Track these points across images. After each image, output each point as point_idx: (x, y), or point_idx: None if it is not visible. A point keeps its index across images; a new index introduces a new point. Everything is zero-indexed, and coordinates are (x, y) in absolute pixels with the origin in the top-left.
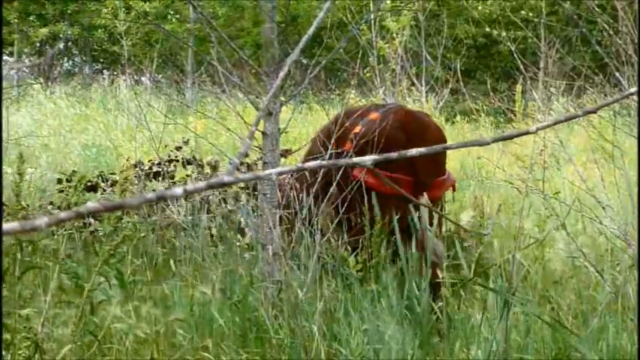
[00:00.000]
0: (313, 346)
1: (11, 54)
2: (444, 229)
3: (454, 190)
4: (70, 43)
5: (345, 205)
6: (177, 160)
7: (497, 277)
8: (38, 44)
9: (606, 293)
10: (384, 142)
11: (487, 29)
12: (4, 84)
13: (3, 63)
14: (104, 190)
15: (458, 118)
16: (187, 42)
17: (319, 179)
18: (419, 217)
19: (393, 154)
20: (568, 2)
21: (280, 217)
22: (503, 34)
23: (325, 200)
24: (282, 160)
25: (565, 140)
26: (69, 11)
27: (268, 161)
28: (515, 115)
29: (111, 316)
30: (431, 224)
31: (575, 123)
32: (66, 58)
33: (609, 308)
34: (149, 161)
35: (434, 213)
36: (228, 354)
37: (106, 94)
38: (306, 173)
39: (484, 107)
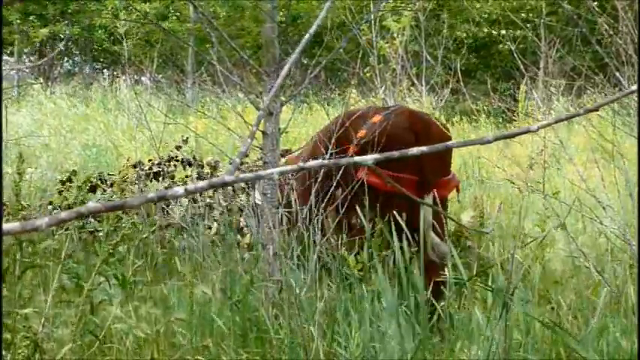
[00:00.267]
0: (313, 346)
1: (11, 54)
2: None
3: (458, 191)
4: (70, 43)
5: (348, 205)
6: (178, 160)
7: (497, 276)
8: (38, 44)
9: (606, 293)
10: (391, 143)
11: (486, 30)
12: (4, 84)
13: (3, 63)
14: (104, 191)
15: (458, 118)
16: (188, 42)
17: (320, 180)
18: (422, 217)
19: (395, 153)
20: (568, 2)
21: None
22: (503, 32)
23: (326, 201)
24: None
25: (565, 140)
26: (69, 11)
27: (269, 161)
28: (515, 115)
29: (111, 316)
30: (434, 224)
31: (575, 123)
32: (66, 58)
33: (609, 308)
34: (149, 161)
35: (437, 212)
36: (229, 354)
37: (106, 94)
38: (307, 174)
39: (485, 108)
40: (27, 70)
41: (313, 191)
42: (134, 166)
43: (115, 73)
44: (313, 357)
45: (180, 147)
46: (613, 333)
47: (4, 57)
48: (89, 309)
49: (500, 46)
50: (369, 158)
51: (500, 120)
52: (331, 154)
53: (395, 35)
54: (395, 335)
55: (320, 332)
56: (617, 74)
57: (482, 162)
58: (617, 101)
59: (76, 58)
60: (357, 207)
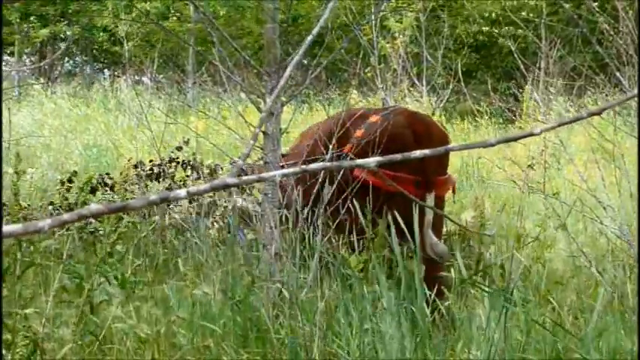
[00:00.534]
0: (314, 345)
1: (12, 54)
2: (444, 229)
3: (454, 191)
4: (71, 44)
5: (346, 205)
6: (178, 162)
7: (497, 276)
8: (39, 45)
9: (607, 293)
10: (391, 142)
11: (486, 28)
12: (5, 84)
13: (3, 63)
14: (105, 191)
15: (459, 118)
16: (188, 42)
17: (319, 179)
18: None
19: (397, 156)
20: (568, 2)
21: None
22: (504, 29)
23: (322, 202)
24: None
25: (565, 140)
26: (69, 11)
27: (269, 161)
28: (515, 116)
29: (111, 316)
30: (433, 223)
31: (576, 123)
32: (67, 58)
33: (610, 308)
34: (150, 161)
35: (436, 212)
36: (229, 354)
37: (106, 94)
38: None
39: (486, 110)
40: (27, 71)
41: (300, 190)
42: (135, 167)
43: (115, 73)
44: (313, 357)
45: (180, 148)
46: (613, 333)
47: (5, 57)
48: (89, 309)
49: (501, 40)
50: (372, 161)
51: (501, 120)
52: (331, 154)
53: (396, 35)
54: (395, 335)
55: (320, 332)
56: (618, 74)
57: (483, 162)
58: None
59: (76, 59)
60: (354, 206)
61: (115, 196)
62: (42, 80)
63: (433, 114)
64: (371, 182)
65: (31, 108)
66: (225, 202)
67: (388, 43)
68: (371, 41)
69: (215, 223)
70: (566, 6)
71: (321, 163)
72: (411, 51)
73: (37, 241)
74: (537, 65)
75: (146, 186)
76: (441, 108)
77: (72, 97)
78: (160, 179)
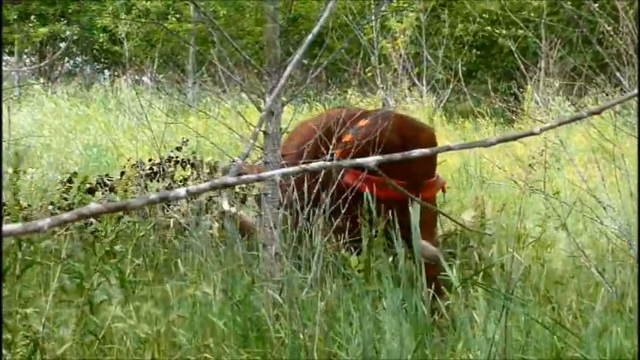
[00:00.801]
0: (314, 346)
1: (11, 53)
2: (442, 230)
3: (444, 191)
4: (71, 44)
5: (333, 209)
6: (178, 162)
7: (497, 276)
8: (39, 45)
9: (607, 293)
10: (380, 147)
11: (488, 28)
12: (5, 84)
13: (3, 63)
14: (105, 192)
15: (459, 118)
16: (189, 41)
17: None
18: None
19: (397, 155)
20: (569, 3)
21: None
22: (504, 31)
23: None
24: None
25: (565, 140)
26: (69, 10)
27: (270, 161)
28: (515, 115)
29: (111, 316)
30: (422, 226)
31: (576, 123)
32: (67, 58)
33: (610, 308)
34: (149, 161)
35: (425, 214)
36: (230, 354)
37: (106, 94)
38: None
39: (487, 111)
40: (28, 71)
41: (289, 193)
42: (135, 166)
43: (115, 73)
44: (314, 357)
45: (180, 148)
46: (613, 333)
47: (5, 57)
48: (89, 309)
49: (501, 40)
50: (371, 160)
51: (502, 120)
52: (319, 155)
53: (397, 35)
54: (396, 335)
55: (321, 332)
56: (618, 74)
57: (483, 162)
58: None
59: (76, 58)
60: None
61: (116, 197)
62: (42, 80)
63: (434, 114)
64: (375, 191)
65: (31, 108)
66: (216, 206)
67: (389, 43)
68: (371, 41)
69: (215, 223)
70: (568, 6)
71: (321, 162)
72: (411, 51)
73: (37, 241)
74: (537, 65)
75: (146, 186)
76: (442, 108)
77: (72, 97)
78: (160, 179)
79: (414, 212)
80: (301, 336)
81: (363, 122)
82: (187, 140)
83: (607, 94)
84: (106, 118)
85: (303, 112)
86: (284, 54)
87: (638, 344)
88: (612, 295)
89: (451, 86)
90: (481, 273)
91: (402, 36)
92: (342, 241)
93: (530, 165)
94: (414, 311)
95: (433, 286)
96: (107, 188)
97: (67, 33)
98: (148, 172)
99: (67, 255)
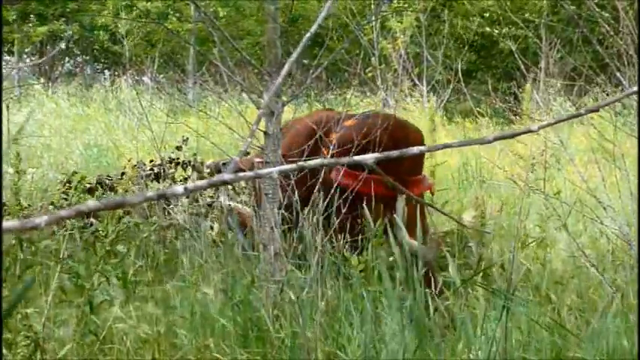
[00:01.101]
0: (314, 346)
1: (11, 53)
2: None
3: (432, 193)
4: (71, 44)
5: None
6: (178, 163)
7: (498, 277)
8: (39, 45)
9: (607, 293)
10: (367, 145)
11: (487, 28)
12: (5, 84)
13: (4, 62)
14: (105, 192)
15: (459, 118)
16: (189, 42)
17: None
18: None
19: (394, 153)
20: (569, 3)
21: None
22: (504, 30)
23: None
24: None
25: (566, 140)
26: (68, 9)
27: (270, 161)
28: (515, 116)
29: (112, 316)
30: (409, 224)
31: (576, 123)
32: (67, 58)
33: (610, 308)
34: (150, 161)
35: (410, 211)
36: (230, 354)
37: (107, 94)
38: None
39: (487, 111)
40: (28, 71)
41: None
42: (135, 167)
43: (115, 73)
44: (314, 357)
45: (180, 147)
46: (613, 333)
47: (5, 57)
48: (90, 309)
49: (502, 45)
50: (370, 157)
51: (502, 120)
52: (307, 155)
53: (397, 35)
54: (396, 335)
55: (321, 332)
56: (618, 74)
57: (483, 162)
58: (619, 102)
59: (77, 59)
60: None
61: (114, 196)
62: (42, 80)
63: (434, 114)
64: (345, 185)
65: (31, 108)
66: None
67: (389, 43)
68: (371, 41)
69: (215, 223)
70: (569, 7)
71: (319, 160)
72: (411, 51)
73: (38, 241)
74: (538, 65)
75: (146, 185)
76: (442, 108)
77: (72, 97)
78: (160, 179)
79: (399, 209)
80: (301, 336)
81: (350, 122)
82: (187, 139)
83: (607, 95)
84: (107, 118)
85: (304, 112)
86: (284, 54)
87: (638, 344)
88: (612, 295)
89: (451, 86)
90: (481, 273)
91: (402, 36)
92: (329, 238)
93: (532, 165)
94: (413, 311)
95: (428, 283)
96: (107, 188)
97: (68, 33)
98: (149, 172)
99: (68, 255)
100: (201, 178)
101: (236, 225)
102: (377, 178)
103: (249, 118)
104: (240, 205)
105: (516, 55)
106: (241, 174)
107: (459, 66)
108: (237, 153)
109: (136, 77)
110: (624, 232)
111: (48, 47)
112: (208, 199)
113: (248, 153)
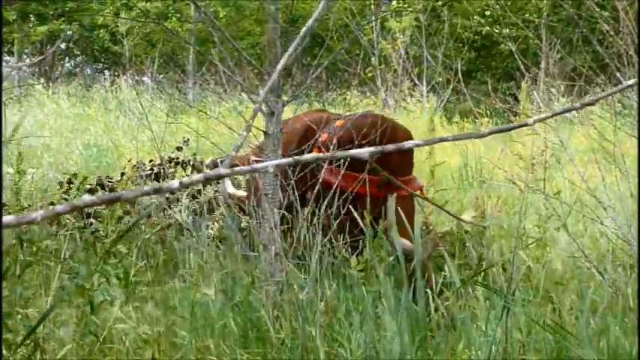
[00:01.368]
0: (314, 346)
1: (11, 53)
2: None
3: (422, 195)
4: (71, 44)
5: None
6: (178, 163)
7: (498, 277)
8: (39, 45)
9: (607, 293)
10: (357, 145)
11: (488, 28)
12: (5, 84)
13: (3, 62)
14: (105, 192)
15: (459, 118)
16: (189, 42)
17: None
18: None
19: (390, 146)
20: (569, 3)
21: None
22: (505, 31)
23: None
24: None
25: (566, 140)
26: (67, 9)
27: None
28: (515, 116)
29: (112, 316)
30: (399, 223)
31: (576, 123)
32: (67, 59)
33: (610, 308)
34: (150, 161)
35: (405, 210)
36: (230, 354)
37: (107, 95)
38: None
39: (488, 112)
40: (28, 71)
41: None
42: (135, 167)
43: (115, 73)
44: (314, 357)
45: (181, 148)
46: (613, 333)
47: (5, 57)
48: (90, 309)
49: (502, 45)
50: (365, 151)
51: (501, 120)
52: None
53: (397, 36)
54: (396, 335)
55: (321, 332)
56: (618, 75)
57: (484, 162)
58: (618, 101)
59: (77, 59)
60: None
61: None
62: (42, 80)
63: (434, 114)
64: (333, 184)
65: (31, 108)
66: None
67: (389, 43)
68: (371, 41)
69: (215, 223)
70: (569, 7)
71: (314, 154)
72: (411, 52)
73: (38, 241)
74: (538, 66)
75: (146, 185)
76: (442, 108)
77: (72, 97)
78: (160, 179)
79: (389, 209)
80: (301, 336)
81: (339, 122)
82: (188, 140)
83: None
84: (107, 118)
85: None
86: (284, 54)
87: (638, 344)
88: (612, 295)
89: (451, 86)
90: (482, 273)
91: (401, 36)
92: (328, 237)
93: (532, 165)
94: (413, 310)
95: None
96: (108, 189)
97: (68, 32)
98: (149, 172)
99: (68, 255)
100: None
101: (235, 225)
102: (369, 179)
103: (248, 117)
104: (240, 192)
105: (516, 56)
106: (237, 168)
107: (459, 66)
108: (233, 147)
109: (136, 77)
110: (624, 232)
111: (48, 47)
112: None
113: (240, 146)
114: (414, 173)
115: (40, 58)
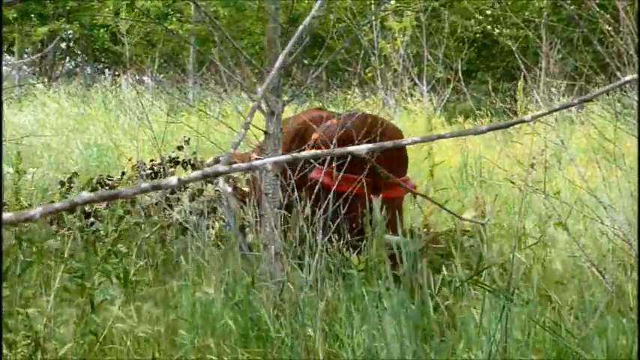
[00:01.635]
0: (314, 346)
1: (11, 53)
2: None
3: (415, 195)
4: (71, 43)
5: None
6: (178, 162)
7: (498, 277)
8: (40, 44)
9: (607, 293)
10: (346, 145)
11: (488, 27)
12: (5, 84)
13: (4, 62)
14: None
15: (459, 118)
16: (189, 41)
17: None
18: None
19: (388, 143)
20: (570, 3)
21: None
22: (505, 31)
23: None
24: None
25: (566, 140)
26: (67, 8)
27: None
28: (515, 115)
29: (112, 316)
30: (388, 223)
31: (576, 123)
32: (68, 58)
33: (610, 308)
34: (150, 161)
35: (391, 212)
36: (230, 354)
37: (107, 94)
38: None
39: (487, 112)
40: (28, 71)
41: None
42: (136, 167)
43: (116, 73)
44: (314, 357)
45: (181, 147)
46: (613, 333)
47: (5, 56)
48: (90, 308)
49: (501, 40)
50: (363, 148)
51: (501, 119)
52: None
53: (397, 35)
54: (396, 335)
55: (321, 332)
56: (619, 74)
57: (484, 162)
58: (618, 101)
59: (77, 58)
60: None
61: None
62: (44, 80)
63: (434, 114)
64: (325, 184)
65: (32, 108)
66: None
67: (389, 43)
68: (371, 41)
69: (216, 223)
70: (569, 6)
71: (313, 152)
72: (412, 51)
73: (38, 241)
74: (538, 65)
75: None
76: (442, 108)
77: (73, 97)
78: (160, 179)
79: (376, 208)
80: (301, 336)
81: (330, 122)
82: (189, 139)
83: (608, 94)
84: (107, 117)
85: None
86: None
87: (639, 344)
88: (612, 295)
89: (451, 86)
90: (483, 273)
91: (401, 36)
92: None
93: (532, 165)
94: (414, 311)
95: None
96: (108, 187)
97: (69, 32)
98: (149, 172)
99: (69, 255)
100: None
101: (235, 224)
102: (357, 178)
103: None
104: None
105: (516, 55)
106: (235, 165)
107: (459, 66)
108: (231, 144)
109: (136, 77)
110: (625, 232)
111: (49, 46)
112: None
113: (239, 143)
114: (414, 174)
115: (38, 55)
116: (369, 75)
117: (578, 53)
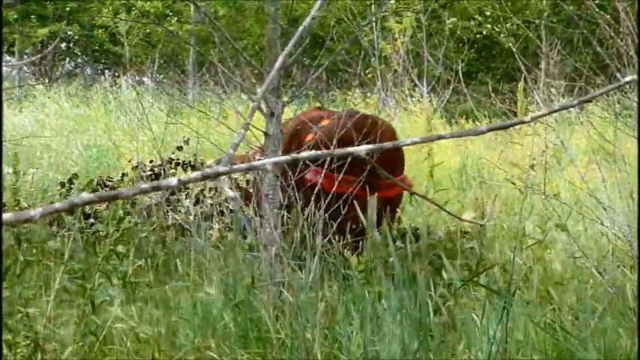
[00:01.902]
0: (314, 346)
1: (12, 53)
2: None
3: (411, 194)
4: (71, 44)
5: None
6: (178, 163)
7: (498, 277)
8: (40, 45)
9: (607, 293)
10: (340, 144)
11: (488, 26)
12: (6, 84)
13: (4, 62)
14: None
15: (459, 118)
16: (189, 42)
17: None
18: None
19: (388, 144)
20: (569, 3)
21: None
22: (507, 26)
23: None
24: None
25: (566, 141)
26: (67, 9)
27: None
28: (515, 116)
29: (112, 316)
30: (380, 223)
31: (576, 124)
32: (68, 59)
33: (610, 308)
34: (150, 162)
35: (384, 212)
36: (230, 354)
37: (107, 95)
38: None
39: (487, 113)
40: (28, 71)
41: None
42: (136, 167)
43: (116, 74)
44: (314, 358)
45: (181, 148)
46: (613, 333)
47: (5, 57)
48: (90, 309)
49: (501, 39)
50: (362, 149)
51: (500, 121)
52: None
53: (397, 36)
54: (397, 336)
55: (321, 333)
56: (618, 75)
57: (484, 163)
58: (618, 102)
59: (77, 59)
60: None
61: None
62: (45, 81)
63: (434, 114)
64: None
65: (34, 108)
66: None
67: (389, 44)
68: (371, 42)
69: (216, 224)
70: (569, 7)
71: (314, 152)
72: (412, 51)
73: (38, 242)
74: (538, 66)
75: None
76: (442, 108)
77: (73, 98)
78: (160, 179)
79: (371, 208)
80: (301, 337)
81: (325, 122)
82: (188, 139)
83: (607, 95)
84: (107, 118)
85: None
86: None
87: (638, 344)
88: (612, 296)
89: (451, 87)
90: (482, 273)
91: (401, 37)
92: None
93: (531, 166)
94: (413, 312)
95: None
96: (108, 188)
97: (69, 33)
98: (149, 173)
99: (69, 255)
100: None
101: (244, 221)
102: (355, 180)
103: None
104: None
105: (516, 56)
106: (235, 166)
107: (459, 66)
108: (230, 145)
109: (136, 78)
110: (624, 233)
111: (49, 47)
112: (210, 202)
113: (238, 145)
114: (414, 174)
115: (38, 56)
116: (370, 77)
117: (578, 54)
